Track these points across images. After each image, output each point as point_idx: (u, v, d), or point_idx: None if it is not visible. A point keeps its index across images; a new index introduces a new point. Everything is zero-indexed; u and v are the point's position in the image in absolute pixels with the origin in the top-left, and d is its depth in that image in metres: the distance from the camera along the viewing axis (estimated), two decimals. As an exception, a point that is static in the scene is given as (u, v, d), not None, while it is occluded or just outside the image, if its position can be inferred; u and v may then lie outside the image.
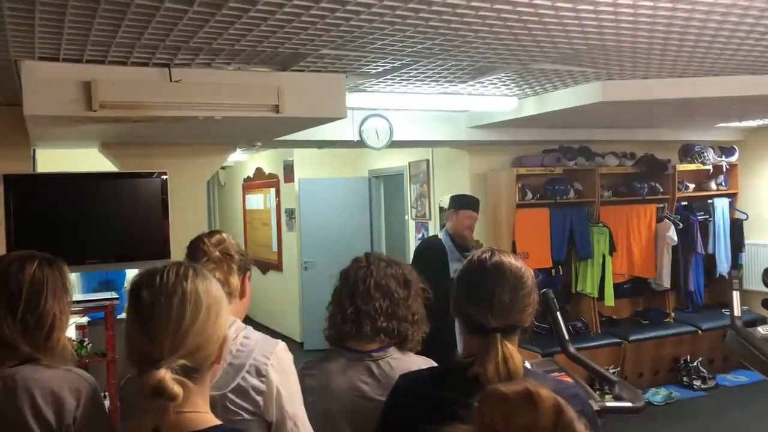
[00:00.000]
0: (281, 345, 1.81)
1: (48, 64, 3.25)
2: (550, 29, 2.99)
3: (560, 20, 2.84)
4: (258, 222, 9.91)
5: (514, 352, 1.45)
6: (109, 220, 4.59)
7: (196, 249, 1.94)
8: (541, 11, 2.69)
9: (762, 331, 3.12)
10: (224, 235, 2.03)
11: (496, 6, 2.60)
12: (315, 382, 1.88)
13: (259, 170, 9.73)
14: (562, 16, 2.78)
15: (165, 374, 1.12)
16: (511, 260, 1.54)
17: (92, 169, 5.05)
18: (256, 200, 9.97)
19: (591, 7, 2.67)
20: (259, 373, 1.70)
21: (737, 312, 3.13)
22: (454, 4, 2.56)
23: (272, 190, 9.26)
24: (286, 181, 8.76)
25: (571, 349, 2.54)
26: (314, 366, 1.96)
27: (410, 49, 3.32)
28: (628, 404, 2.09)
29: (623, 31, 3.07)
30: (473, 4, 2.55)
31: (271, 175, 9.28)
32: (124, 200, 4.66)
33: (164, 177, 4.66)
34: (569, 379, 2.23)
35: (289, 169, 8.61)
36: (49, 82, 3.26)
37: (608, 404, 2.04)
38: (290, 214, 8.69)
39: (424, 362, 1.88)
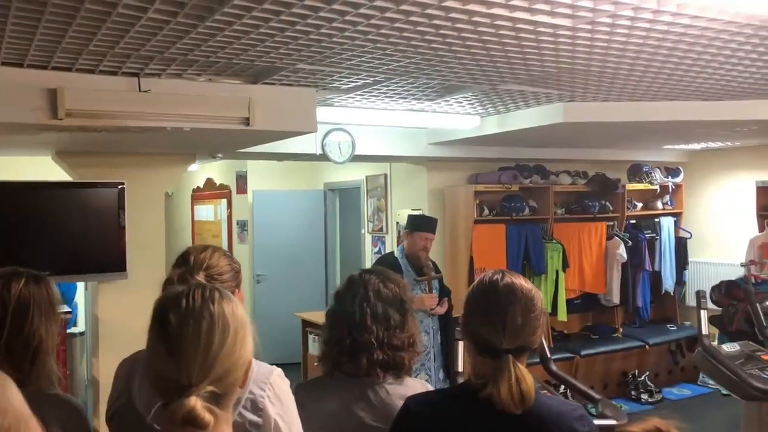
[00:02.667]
0: (276, 372, 1.74)
1: (11, 69, 3.13)
2: (526, 51, 3.05)
3: (538, 43, 2.90)
4: (208, 234, 9.71)
5: (526, 374, 1.47)
6: (62, 231, 4.42)
7: (183, 272, 1.81)
8: (522, 35, 2.74)
9: (726, 349, 3.26)
10: (210, 254, 1.89)
11: (480, 29, 2.64)
12: (310, 406, 1.83)
13: (209, 181, 9.56)
14: (541, 40, 2.84)
15: (196, 402, 1.07)
16: (521, 282, 1.56)
17: (41, 178, 4.88)
18: (206, 211, 9.78)
19: (569, 33, 2.74)
20: (256, 408, 1.64)
21: (705, 330, 3.25)
22: (439, 25, 2.59)
23: (224, 201, 9.11)
24: (238, 192, 8.63)
25: (553, 366, 2.59)
26: (309, 389, 1.92)
27: (386, 67, 3.34)
28: (613, 422, 2.15)
29: (595, 55, 3.16)
30: (458, 25, 2.58)
31: (223, 186, 9.13)
32: (78, 211, 4.50)
33: (121, 187, 4.53)
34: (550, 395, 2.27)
35: (242, 180, 8.50)
36: (12, 88, 3.14)
37: (596, 422, 2.09)
38: (242, 226, 8.57)
39: (422, 386, 1.87)
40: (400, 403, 1.74)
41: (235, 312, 1.19)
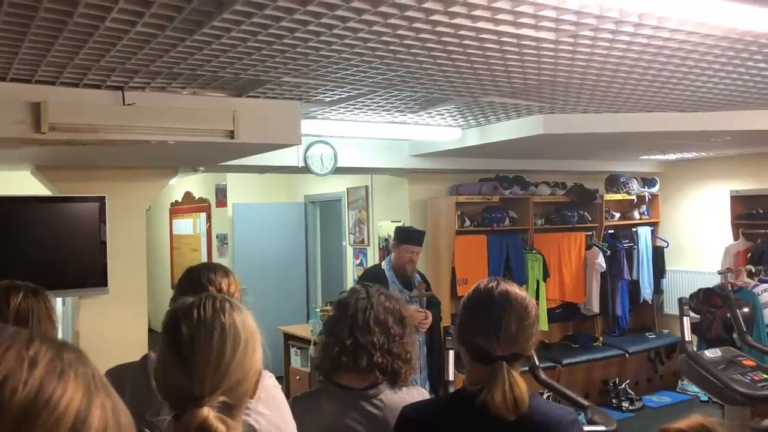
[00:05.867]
0: (268, 375, 1.75)
1: (-6, 83, 3.11)
2: (509, 64, 3.10)
3: (521, 56, 2.95)
4: (186, 248, 9.65)
5: (519, 380, 1.49)
6: (42, 245, 4.37)
7: (197, 287, 1.83)
8: (506, 48, 2.79)
9: (709, 354, 3.32)
10: (228, 277, 1.93)
11: (465, 42, 2.68)
12: (304, 420, 1.83)
13: (188, 194, 9.51)
14: (524, 53, 2.89)
15: (208, 413, 1.08)
16: (516, 290, 1.58)
17: (18, 192, 4.82)
18: (185, 225, 9.72)
19: (552, 46, 2.79)
20: (248, 411, 1.65)
21: (688, 337, 3.31)
22: (425, 39, 2.62)
23: (203, 215, 9.06)
24: (218, 205, 8.59)
25: (542, 374, 2.62)
26: (304, 403, 1.92)
27: (371, 80, 3.36)
28: (602, 428, 2.18)
29: (576, 68, 3.22)
30: (444, 39, 2.62)
31: (202, 200, 9.09)
32: (59, 225, 4.46)
33: (102, 201, 4.49)
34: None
35: (221, 194, 8.46)
36: (-6, 103, 3.12)
37: (586, 429, 2.12)
38: (222, 239, 8.52)
39: (418, 395, 1.88)
40: (394, 414, 1.76)
41: (246, 322, 1.21)
